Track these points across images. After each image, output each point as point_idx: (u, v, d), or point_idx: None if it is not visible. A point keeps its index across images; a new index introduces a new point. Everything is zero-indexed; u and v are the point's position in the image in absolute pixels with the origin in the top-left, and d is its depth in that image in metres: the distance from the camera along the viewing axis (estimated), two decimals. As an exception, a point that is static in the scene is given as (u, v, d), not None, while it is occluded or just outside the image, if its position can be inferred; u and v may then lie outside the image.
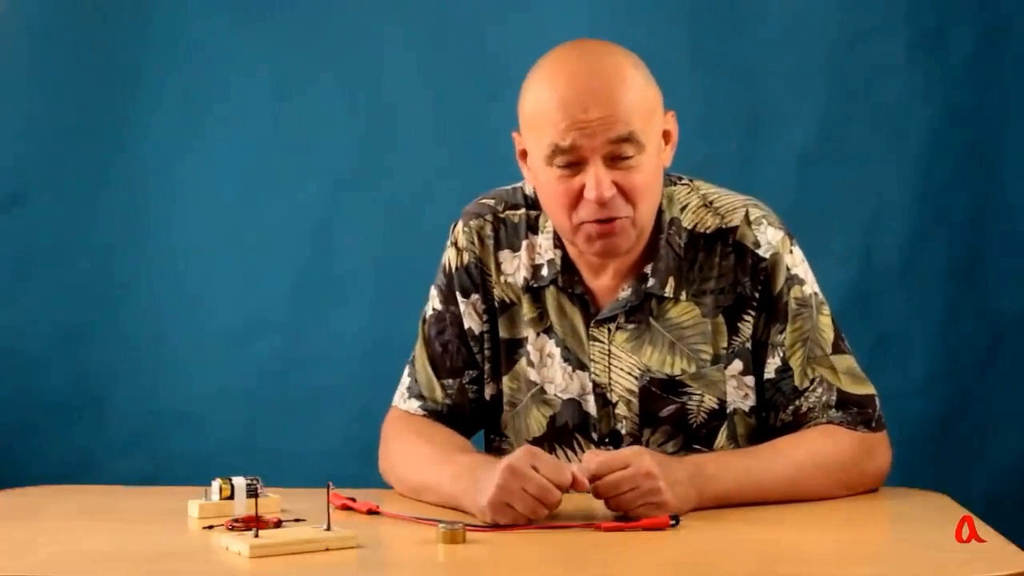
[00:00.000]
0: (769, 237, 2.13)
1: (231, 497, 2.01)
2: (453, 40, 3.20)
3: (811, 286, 2.16)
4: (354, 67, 3.22)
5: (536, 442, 2.17)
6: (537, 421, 2.19)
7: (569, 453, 2.18)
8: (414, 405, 2.24)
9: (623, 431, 2.15)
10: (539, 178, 2.10)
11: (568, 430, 2.17)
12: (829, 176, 3.12)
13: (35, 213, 3.24)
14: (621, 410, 2.15)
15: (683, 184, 2.19)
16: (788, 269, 2.13)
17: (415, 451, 2.15)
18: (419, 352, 2.26)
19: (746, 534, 1.89)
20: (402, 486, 2.15)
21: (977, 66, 3.09)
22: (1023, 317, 3.10)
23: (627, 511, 1.91)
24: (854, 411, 2.12)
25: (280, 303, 3.24)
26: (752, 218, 2.14)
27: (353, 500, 2.05)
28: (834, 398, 2.12)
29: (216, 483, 2.02)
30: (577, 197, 2.05)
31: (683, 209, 2.16)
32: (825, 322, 2.15)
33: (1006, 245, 3.09)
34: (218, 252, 3.24)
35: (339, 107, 3.22)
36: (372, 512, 2.02)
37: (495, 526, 1.90)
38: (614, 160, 2.03)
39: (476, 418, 2.26)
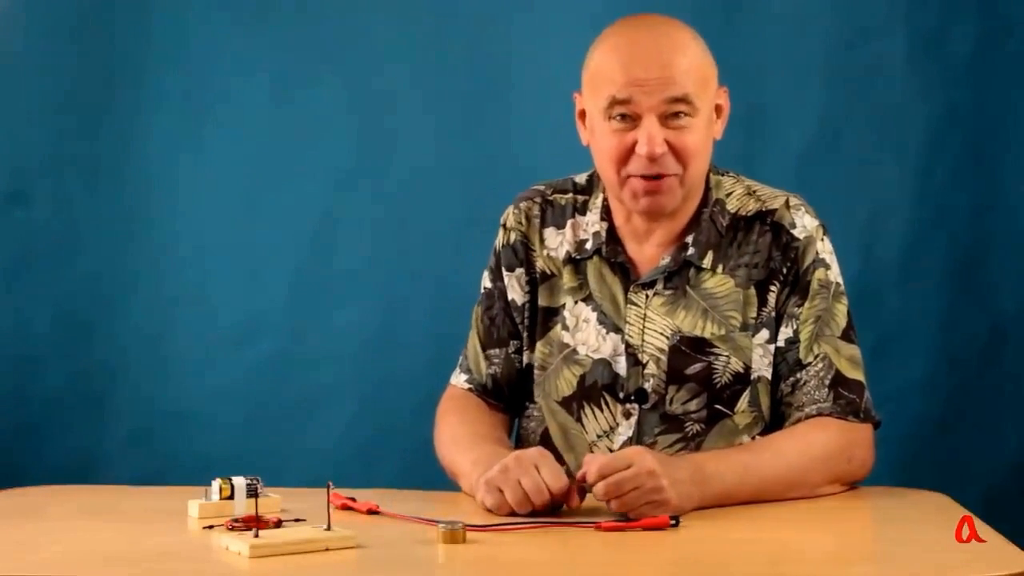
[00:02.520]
0: (805, 222, 2.25)
1: (231, 497, 2.01)
2: (453, 40, 3.20)
3: (835, 275, 2.26)
4: (355, 67, 3.22)
5: (565, 401, 2.26)
6: (567, 381, 2.26)
7: (596, 411, 2.24)
8: (462, 379, 2.36)
9: (649, 389, 2.21)
10: (595, 133, 2.21)
11: (596, 389, 2.24)
12: (829, 176, 3.12)
13: (35, 212, 3.24)
14: (650, 369, 2.21)
15: (730, 176, 2.31)
16: (818, 253, 2.24)
17: (453, 433, 2.26)
18: (471, 331, 2.37)
19: (746, 534, 1.90)
20: (444, 466, 2.25)
21: (977, 66, 3.09)
22: (1023, 317, 3.10)
23: (630, 511, 1.92)
24: (843, 400, 2.18)
25: (280, 303, 3.24)
26: (792, 204, 2.26)
27: (353, 500, 2.05)
28: (830, 377, 2.18)
29: (216, 483, 2.02)
30: (629, 151, 2.17)
31: (728, 195, 2.27)
32: (840, 309, 2.24)
33: (1006, 245, 3.09)
34: (219, 252, 3.24)
35: (339, 107, 3.22)
36: (372, 512, 2.02)
37: (495, 526, 1.90)
38: (668, 119, 2.16)
39: (523, 387, 2.33)
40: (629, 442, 2.20)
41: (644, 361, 2.22)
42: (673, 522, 1.90)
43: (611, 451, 2.20)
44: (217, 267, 3.24)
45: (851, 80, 3.12)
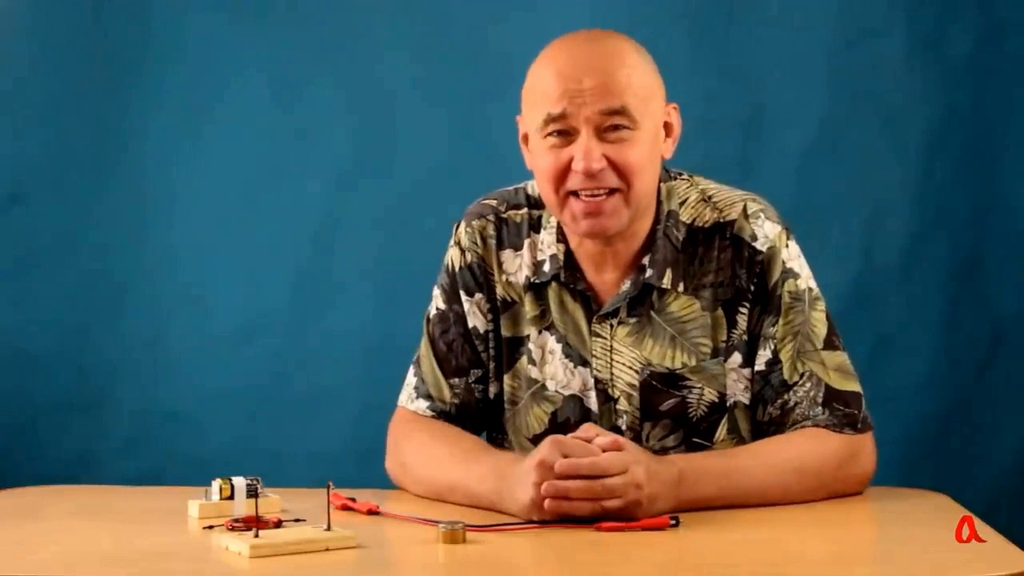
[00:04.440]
0: (766, 231, 2.14)
1: (231, 497, 2.01)
2: (453, 40, 3.20)
3: (806, 281, 2.16)
4: (354, 67, 3.22)
5: (536, 439, 2.17)
6: (537, 418, 2.20)
7: None
8: (422, 405, 2.24)
9: (624, 426, 2.15)
10: (534, 153, 2.12)
11: (569, 426, 2.15)
12: (829, 176, 3.12)
13: (35, 213, 3.24)
14: (622, 405, 2.15)
15: (683, 179, 2.21)
16: (784, 263, 2.14)
17: (431, 452, 2.14)
18: (424, 352, 2.26)
19: (746, 534, 1.89)
20: (419, 487, 2.14)
21: (976, 66, 3.10)
22: (1023, 317, 3.10)
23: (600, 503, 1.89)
24: (840, 413, 2.11)
25: (280, 303, 3.24)
26: (750, 212, 2.15)
27: (353, 500, 2.05)
28: (822, 395, 2.11)
29: (216, 483, 2.02)
30: (566, 168, 2.07)
31: (682, 204, 2.17)
32: (818, 317, 2.15)
33: (1006, 245, 3.10)
34: (218, 252, 3.24)
35: (339, 107, 3.23)
36: (372, 512, 2.02)
37: (495, 526, 1.90)
38: (606, 132, 2.06)
39: (482, 417, 2.26)
40: None
41: (616, 396, 2.15)
42: (673, 522, 1.90)
43: None
44: (217, 267, 3.24)
45: (851, 80, 3.12)
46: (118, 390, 3.24)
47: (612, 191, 2.07)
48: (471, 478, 2.03)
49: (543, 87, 2.08)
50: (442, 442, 2.15)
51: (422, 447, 2.17)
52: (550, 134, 2.07)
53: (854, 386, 2.14)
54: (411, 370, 2.28)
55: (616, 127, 2.06)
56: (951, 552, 1.78)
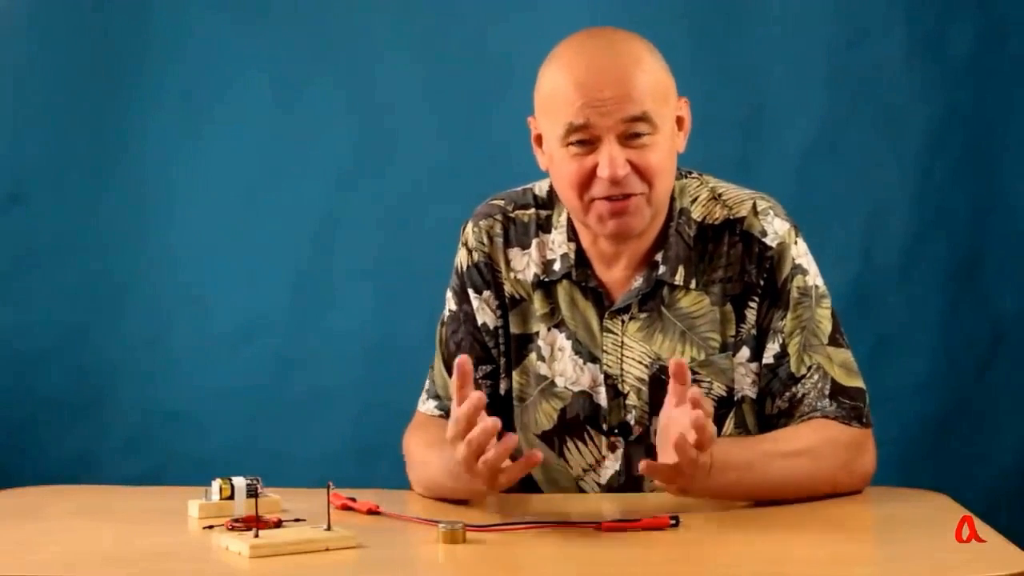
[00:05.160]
0: (776, 227, 2.17)
1: (231, 497, 2.01)
2: (454, 40, 3.20)
3: (814, 278, 2.18)
4: (355, 67, 3.22)
5: (545, 435, 2.20)
6: (546, 414, 2.21)
7: (579, 445, 2.19)
8: (431, 406, 2.27)
9: (632, 421, 2.16)
10: (553, 159, 2.13)
11: (578, 422, 2.18)
12: (829, 176, 3.13)
13: (35, 213, 3.24)
14: (631, 400, 2.16)
15: (693, 177, 2.23)
16: (793, 259, 2.16)
17: (424, 457, 2.16)
18: (436, 355, 2.29)
19: (747, 534, 1.89)
20: (419, 486, 2.17)
21: (976, 66, 3.10)
22: (1023, 317, 3.10)
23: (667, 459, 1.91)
24: (847, 406, 2.13)
25: (280, 303, 3.24)
26: (759, 209, 2.18)
27: (353, 500, 2.05)
28: (828, 387, 2.13)
29: (216, 483, 2.02)
30: (590, 175, 2.09)
31: (693, 201, 2.19)
32: (824, 314, 2.17)
33: (1006, 245, 3.10)
34: (218, 252, 3.24)
35: (339, 107, 3.23)
36: (372, 512, 2.02)
37: (495, 526, 1.90)
38: (628, 139, 2.07)
39: (491, 414, 2.25)
40: (617, 475, 2.15)
41: (625, 392, 2.16)
42: (673, 522, 1.90)
43: (599, 485, 2.17)
44: (217, 267, 3.24)
45: (851, 80, 3.12)
46: (118, 390, 3.24)
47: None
48: (441, 470, 2.05)
49: (562, 96, 2.08)
50: (438, 442, 2.14)
51: (421, 447, 2.19)
52: (572, 143, 2.09)
53: (858, 382, 2.16)
54: (427, 375, 2.31)
55: (638, 133, 2.07)
56: (951, 552, 1.78)
